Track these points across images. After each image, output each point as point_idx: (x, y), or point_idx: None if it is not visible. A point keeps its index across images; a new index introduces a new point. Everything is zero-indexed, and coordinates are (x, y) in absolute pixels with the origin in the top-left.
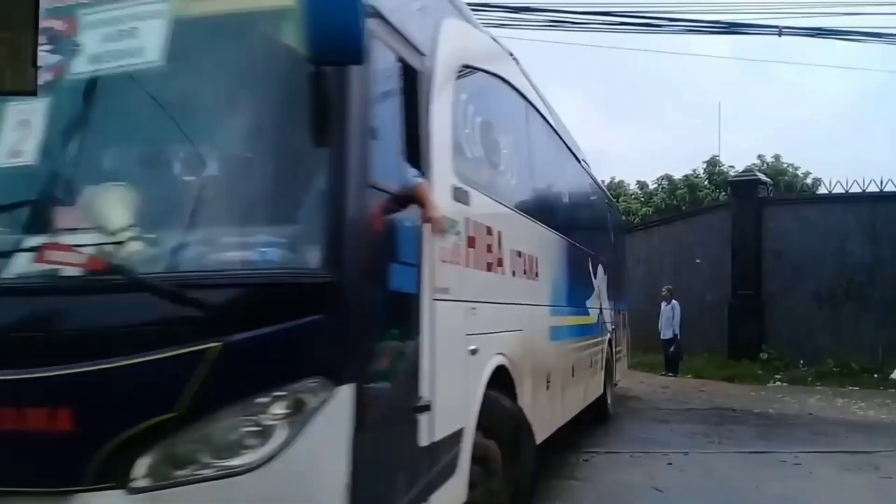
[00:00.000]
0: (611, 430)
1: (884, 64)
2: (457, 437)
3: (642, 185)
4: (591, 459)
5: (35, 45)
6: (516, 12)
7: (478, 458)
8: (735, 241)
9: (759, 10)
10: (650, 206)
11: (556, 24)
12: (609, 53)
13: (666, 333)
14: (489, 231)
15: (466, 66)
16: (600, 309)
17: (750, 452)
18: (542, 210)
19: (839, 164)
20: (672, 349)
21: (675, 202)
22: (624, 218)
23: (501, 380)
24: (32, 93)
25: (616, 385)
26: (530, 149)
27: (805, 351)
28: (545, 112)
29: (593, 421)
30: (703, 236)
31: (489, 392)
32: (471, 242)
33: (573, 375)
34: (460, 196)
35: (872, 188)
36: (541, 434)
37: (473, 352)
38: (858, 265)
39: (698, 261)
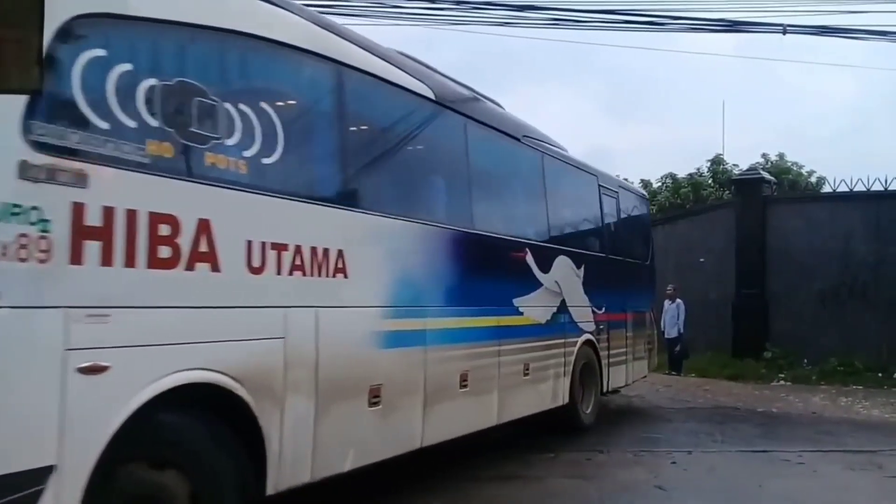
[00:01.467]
0: (613, 429)
1: (889, 62)
2: (37, 475)
3: (646, 183)
4: (594, 458)
5: (41, 43)
6: (519, 10)
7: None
8: (739, 239)
9: (763, 9)
10: (654, 205)
11: (559, 22)
12: (612, 52)
13: (670, 332)
14: (161, 219)
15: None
16: (559, 308)
17: (753, 451)
18: (363, 193)
19: (844, 163)
20: (677, 348)
21: (678, 201)
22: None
23: (225, 399)
24: (38, 91)
25: (611, 392)
26: (318, 116)
27: (809, 350)
28: (362, 63)
29: (557, 431)
30: (707, 235)
31: (167, 414)
32: (93, 233)
33: (466, 386)
34: (47, 174)
35: (877, 187)
36: (364, 458)
37: (92, 370)
38: (863, 264)
39: (702, 259)
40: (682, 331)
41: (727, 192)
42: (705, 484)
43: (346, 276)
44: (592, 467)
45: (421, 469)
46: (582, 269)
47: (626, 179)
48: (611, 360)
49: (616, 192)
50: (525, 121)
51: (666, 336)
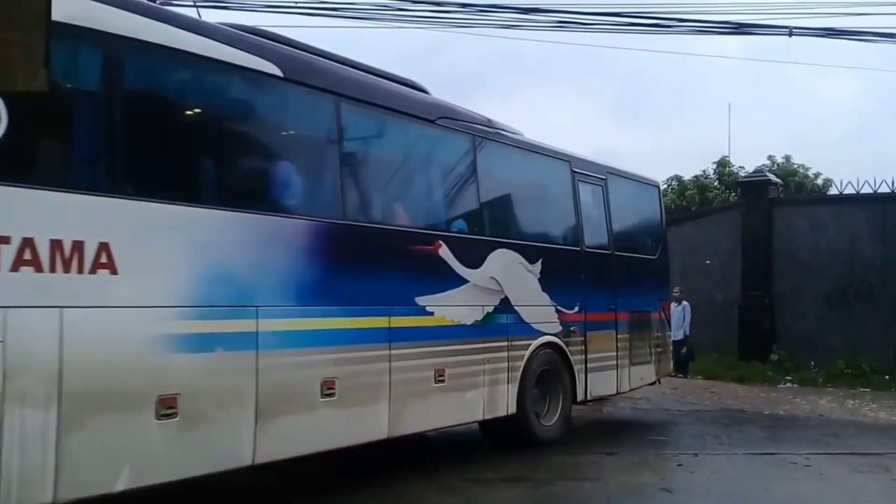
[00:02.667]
0: (618, 431)
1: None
2: None
3: None
4: (599, 461)
5: (47, 45)
6: (525, 13)
7: None
8: (745, 241)
9: (769, 11)
10: None
11: (564, 24)
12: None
13: (676, 334)
14: None
15: None
16: (499, 308)
17: (760, 454)
18: (151, 179)
19: (850, 165)
20: (683, 350)
21: (684, 203)
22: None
23: None
24: (44, 93)
25: (594, 400)
26: (76, 94)
27: (816, 352)
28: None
29: (507, 445)
30: (713, 237)
31: None
32: None
33: (332, 395)
34: None
35: (884, 189)
36: (149, 476)
37: None
38: (869, 266)
39: (708, 261)
40: (687, 333)
41: (733, 194)
42: (711, 487)
43: (114, 273)
44: (598, 470)
45: (428, 469)
46: (538, 264)
47: None
48: (590, 364)
49: (602, 178)
50: (465, 107)
51: (672, 338)
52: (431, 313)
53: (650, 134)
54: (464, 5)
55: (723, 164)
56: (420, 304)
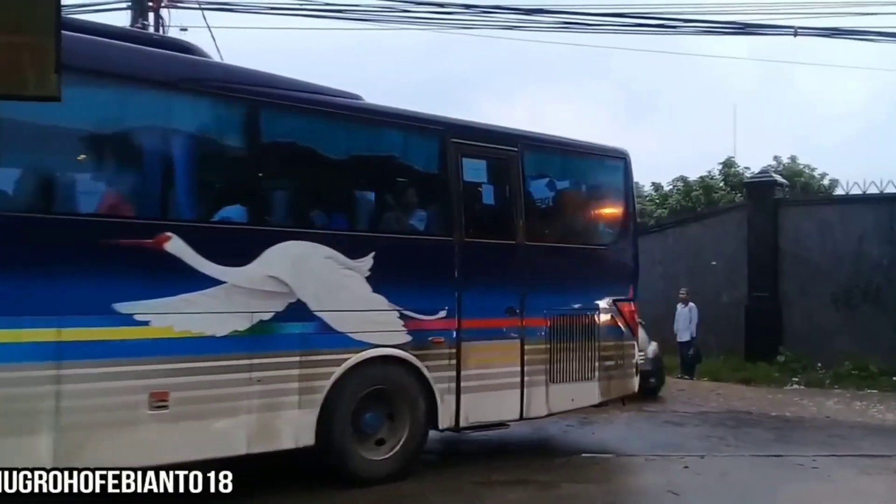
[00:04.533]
0: (625, 432)
1: None
2: None
3: (657, 186)
4: (604, 463)
5: (58, 50)
6: (529, 14)
7: None
8: (751, 242)
9: (774, 11)
10: (665, 208)
11: (569, 25)
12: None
13: (683, 336)
14: None
15: None
16: (284, 315)
17: (766, 456)
18: None
19: (857, 165)
20: (690, 352)
21: (690, 204)
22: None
23: None
24: (56, 98)
25: (480, 427)
26: None
27: (822, 353)
28: None
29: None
30: (719, 238)
31: None
32: None
33: None
34: None
35: (890, 189)
36: None
37: None
38: (876, 267)
39: (714, 262)
40: (694, 335)
41: (739, 195)
42: (718, 489)
43: None
44: (605, 472)
45: (431, 471)
46: (368, 258)
47: (636, 182)
48: (466, 383)
49: (511, 150)
50: (236, 65)
51: (678, 339)
52: (145, 323)
53: (655, 135)
54: (467, 6)
55: (728, 164)
56: (122, 311)
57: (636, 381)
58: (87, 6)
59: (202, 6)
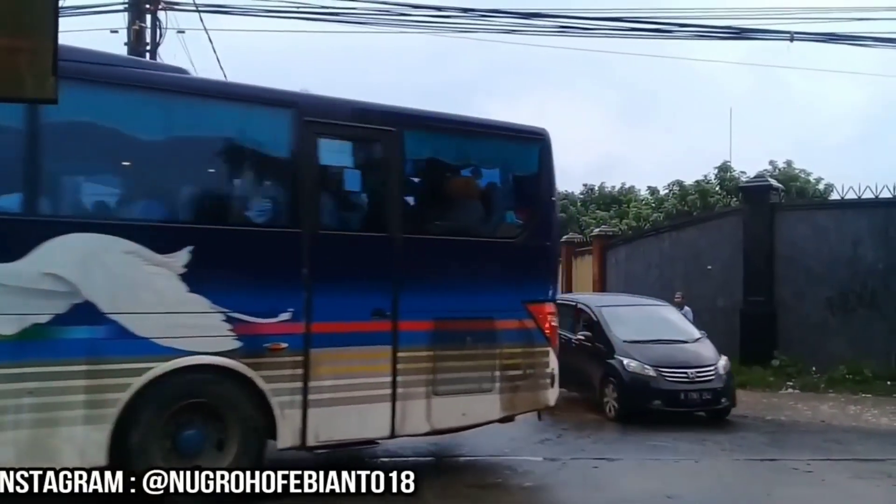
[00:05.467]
0: (620, 437)
1: None
2: None
3: (653, 190)
4: (600, 467)
5: (55, 53)
6: (527, 18)
7: None
8: (747, 246)
9: (770, 16)
10: (661, 212)
11: (566, 29)
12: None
13: None
14: None
15: None
16: (63, 318)
17: (761, 460)
18: None
19: (852, 170)
20: None
21: (686, 208)
22: (634, 224)
23: None
24: (53, 101)
25: (342, 445)
26: None
27: (817, 357)
28: None
29: None
30: (715, 242)
31: None
32: None
33: None
34: None
35: (885, 194)
36: None
37: None
38: (871, 271)
39: (710, 267)
40: None
41: (735, 199)
42: (713, 493)
43: None
44: (600, 476)
45: (430, 474)
46: (183, 253)
47: (632, 187)
48: (314, 396)
49: (388, 131)
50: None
51: None
52: None
53: (652, 139)
54: (464, 10)
55: (724, 168)
56: None
57: (552, 393)
58: (84, 8)
59: (199, 9)
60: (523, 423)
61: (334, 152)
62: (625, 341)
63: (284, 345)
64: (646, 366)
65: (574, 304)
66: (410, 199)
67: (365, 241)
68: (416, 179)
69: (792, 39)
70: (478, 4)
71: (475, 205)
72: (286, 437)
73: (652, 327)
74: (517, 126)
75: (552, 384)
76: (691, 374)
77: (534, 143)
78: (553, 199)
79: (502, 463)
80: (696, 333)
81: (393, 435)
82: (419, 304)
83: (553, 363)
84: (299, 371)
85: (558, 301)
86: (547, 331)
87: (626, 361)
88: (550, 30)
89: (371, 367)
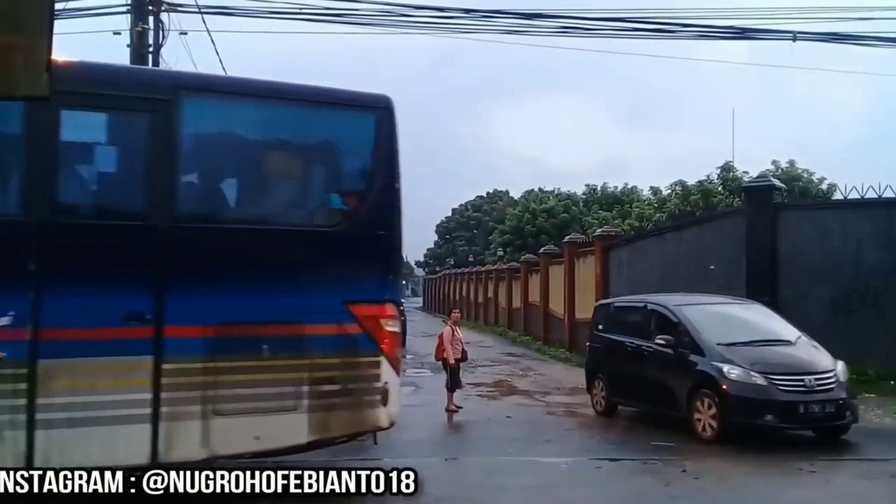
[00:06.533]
0: (622, 437)
1: None
2: None
3: (655, 190)
4: (603, 467)
5: (49, 50)
6: (528, 19)
7: None
8: (749, 247)
9: (773, 16)
10: (664, 212)
11: (568, 29)
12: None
13: None
14: None
15: None
16: None
17: (766, 459)
18: None
19: (855, 170)
20: None
21: (688, 208)
22: (637, 224)
23: None
24: (45, 98)
25: None
26: None
27: None
28: None
29: None
30: (718, 242)
31: None
32: None
33: None
34: None
35: (889, 194)
36: None
37: None
38: (874, 271)
39: (712, 267)
40: None
41: (737, 199)
42: (717, 492)
43: None
44: (603, 476)
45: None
46: None
47: (635, 187)
48: (44, 415)
49: (158, 101)
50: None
51: None
52: None
53: (654, 139)
54: (466, 11)
55: (727, 168)
56: None
57: (384, 413)
58: (88, 9)
59: (201, 10)
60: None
61: (81, 126)
62: (719, 344)
63: (1, 354)
64: (752, 373)
65: (642, 304)
66: (188, 181)
67: (118, 230)
68: (196, 157)
69: (795, 39)
70: (480, 5)
71: (280, 187)
72: (5, 462)
73: (744, 328)
74: (344, 93)
75: (385, 401)
76: (809, 381)
77: (367, 114)
78: (393, 180)
79: (502, 464)
80: (796, 332)
81: (155, 461)
82: (195, 306)
83: (387, 376)
84: (22, 386)
85: (619, 304)
86: (378, 337)
87: (725, 368)
88: (552, 30)
89: (124, 382)
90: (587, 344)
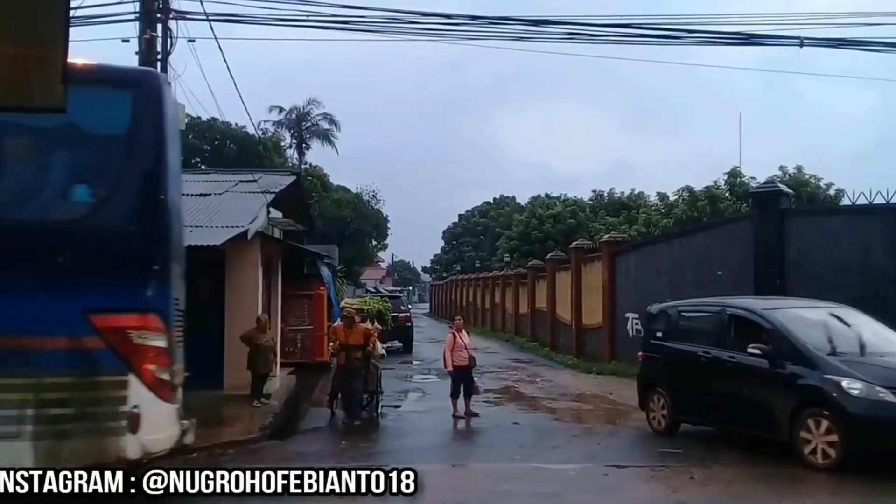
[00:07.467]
0: (630, 444)
1: None
2: None
3: (663, 196)
4: (611, 474)
5: (65, 61)
6: (535, 25)
7: None
8: (757, 253)
9: (779, 22)
10: (671, 218)
11: (574, 36)
12: (629, 65)
13: None
14: None
15: None
16: None
17: (774, 467)
18: None
19: (863, 175)
20: None
21: (696, 214)
22: (644, 230)
23: None
24: (62, 110)
25: None
26: None
27: None
28: None
29: None
30: (725, 248)
31: None
32: None
33: None
34: None
35: None
36: None
37: None
38: (883, 277)
39: (720, 273)
40: None
41: (745, 205)
42: (725, 500)
43: None
44: (611, 483)
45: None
46: None
47: (641, 192)
48: None
49: None
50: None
51: None
52: None
53: (661, 144)
54: (473, 18)
55: (734, 174)
56: None
57: (133, 442)
58: (96, 17)
59: (209, 18)
60: None
61: None
62: (831, 355)
63: None
64: (879, 389)
65: (718, 309)
66: None
67: None
68: None
69: (802, 45)
70: (487, 12)
71: (4, 174)
72: None
73: (849, 336)
74: (95, 68)
75: (134, 428)
76: None
77: (122, 93)
78: (157, 169)
79: (509, 470)
80: None
81: None
82: None
83: (139, 398)
84: None
85: (684, 309)
86: (127, 353)
87: (845, 384)
88: (559, 37)
89: None
90: (641, 354)
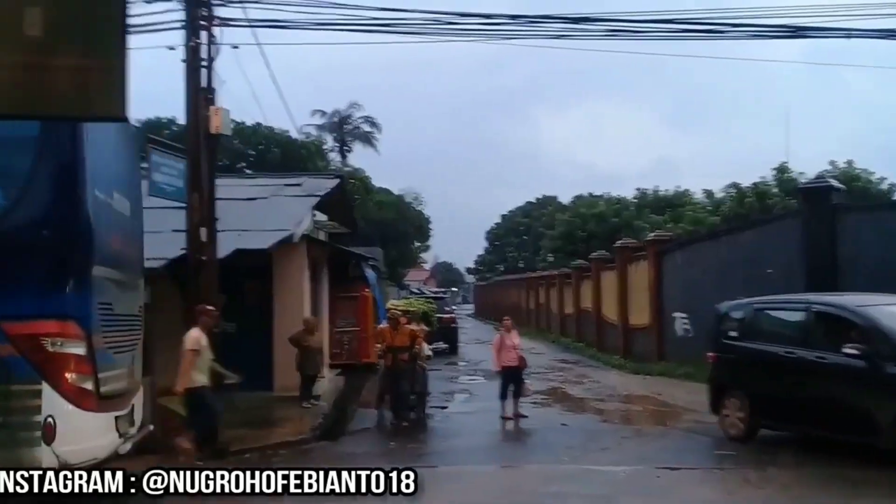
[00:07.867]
0: (684, 445)
1: None
2: None
3: (709, 193)
4: (663, 476)
5: (125, 70)
6: (576, 23)
7: None
8: (808, 250)
9: (827, 13)
10: (718, 216)
11: (616, 33)
12: (672, 61)
13: None
14: None
15: None
16: None
17: (837, 470)
18: None
19: None
20: None
21: (743, 210)
22: (690, 228)
23: None
24: (123, 119)
25: None
26: None
27: None
28: None
29: None
30: (775, 245)
31: None
32: None
33: None
34: None
35: None
36: None
37: None
38: None
39: (770, 271)
40: None
41: (793, 200)
42: (783, 503)
43: None
44: (663, 485)
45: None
46: None
47: (687, 190)
48: None
49: None
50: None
51: None
52: None
53: (706, 140)
54: (513, 17)
55: (782, 170)
56: None
57: (46, 452)
58: (142, 26)
59: (252, 24)
60: None
61: None
62: None
63: None
64: None
65: (803, 306)
66: None
67: None
68: None
69: (849, 36)
70: (526, 11)
71: None
72: None
73: None
74: None
75: (49, 439)
76: None
77: None
78: (73, 168)
79: (557, 471)
80: None
81: None
82: None
83: (53, 408)
84: None
85: (761, 306)
86: (39, 361)
87: None
88: (600, 34)
89: None
90: (711, 355)
